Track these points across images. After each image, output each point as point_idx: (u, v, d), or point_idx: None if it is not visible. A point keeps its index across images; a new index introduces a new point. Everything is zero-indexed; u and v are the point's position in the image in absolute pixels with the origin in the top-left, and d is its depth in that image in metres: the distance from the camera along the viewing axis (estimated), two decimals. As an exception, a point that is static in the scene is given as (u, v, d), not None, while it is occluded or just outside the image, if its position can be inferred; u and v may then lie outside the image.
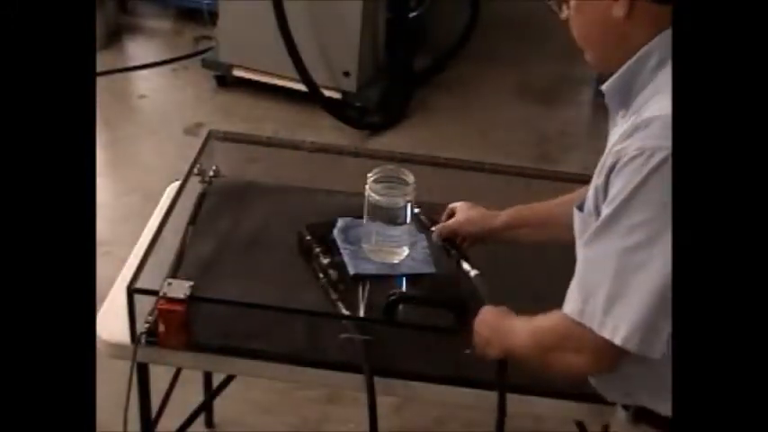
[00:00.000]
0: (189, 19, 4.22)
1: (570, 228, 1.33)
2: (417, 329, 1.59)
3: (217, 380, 2.21)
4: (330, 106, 3.57)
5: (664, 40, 1.18)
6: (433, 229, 1.70)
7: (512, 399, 1.49)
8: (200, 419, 2.25)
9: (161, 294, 1.53)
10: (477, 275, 1.59)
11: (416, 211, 1.74)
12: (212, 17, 3.86)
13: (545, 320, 1.29)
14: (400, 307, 1.61)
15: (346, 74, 3.59)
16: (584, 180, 1.36)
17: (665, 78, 1.17)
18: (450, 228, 1.68)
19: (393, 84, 3.72)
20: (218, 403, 2.29)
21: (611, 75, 1.24)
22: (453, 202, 1.90)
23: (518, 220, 1.62)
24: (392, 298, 1.60)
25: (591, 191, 1.24)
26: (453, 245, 1.68)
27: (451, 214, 1.71)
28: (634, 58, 1.21)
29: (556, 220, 1.55)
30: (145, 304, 1.55)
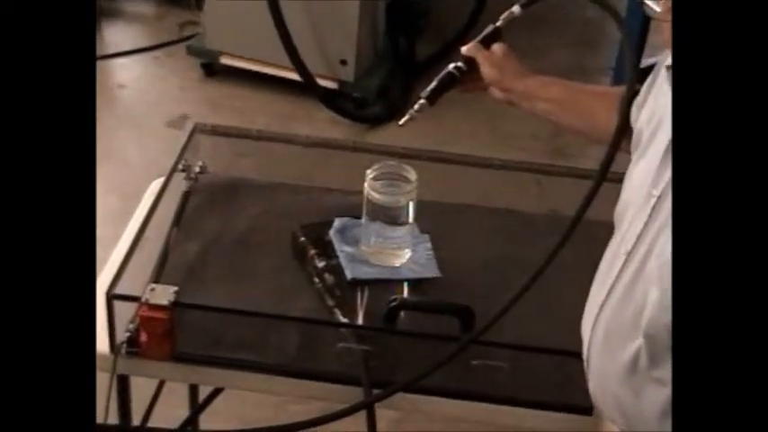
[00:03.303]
0: (173, 3, 4.23)
1: (590, 121, 1.50)
2: (420, 338, 1.59)
3: (203, 393, 2.21)
4: (326, 97, 3.58)
5: None
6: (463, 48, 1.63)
7: (513, 412, 1.50)
8: (186, 436, 2.25)
9: (143, 300, 1.54)
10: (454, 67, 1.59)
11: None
12: (198, 1, 3.87)
13: None
14: (402, 314, 1.61)
15: (343, 62, 3.59)
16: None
17: None
18: (479, 54, 1.60)
19: (394, 73, 3.72)
20: (204, 418, 2.30)
21: None
22: (459, 200, 1.90)
23: (539, 94, 1.60)
24: (393, 304, 1.60)
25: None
26: (467, 66, 1.60)
27: (494, 38, 1.62)
28: None
29: (581, 109, 1.57)
30: (125, 311, 1.55)
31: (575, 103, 1.59)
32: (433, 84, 1.60)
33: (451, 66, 1.60)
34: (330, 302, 1.66)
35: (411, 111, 1.59)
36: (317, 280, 1.70)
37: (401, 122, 1.60)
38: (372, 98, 3.67)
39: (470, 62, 1.60)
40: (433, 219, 1.84)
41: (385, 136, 3.49)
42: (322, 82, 3.57)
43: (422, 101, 1.59)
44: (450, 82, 1.60)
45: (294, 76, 3.52)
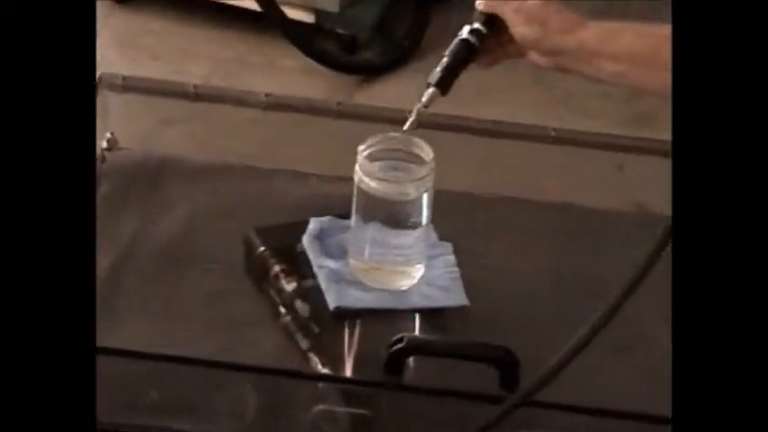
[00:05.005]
0: None
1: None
2: (438, 397, 1.60)
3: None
4: (297, 35, 3.58)
5: None
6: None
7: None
8: None
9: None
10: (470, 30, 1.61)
11: None
12: None
13: None
14: (410, 361, 1.63)
15: (323, -16, 3.61)
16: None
17: None
18: (504, 8, 1.60)
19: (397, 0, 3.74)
20: None
21: None
22: (497, 191, 1.90)
23: (604, 50, 1.61)
24: (398, 347, 1.61)
25: None
26: (489, 30, 1.62)
27: None
28: None
29: (667, 63, 1.56)
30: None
31: (656, 57, 1.57)
32: (444, 61, 1.61)
33: (465, 30, 1.61)
34: (304, 344, 1.67)
35: (417, 105, 1.60)
36: (283, 310, 1.71)
37: (405, 128, 1.62)
38: (366, 37, 3.69)
39: (493, 21, 1.60)
40: (457, 219, 1.87)
41: (385, 94, 3.49)
42: (291, 13, 3.58)
43: (431, 89, 1.61)
44: (467, 55, 1.62)
45: (251, 3, 3.53)
